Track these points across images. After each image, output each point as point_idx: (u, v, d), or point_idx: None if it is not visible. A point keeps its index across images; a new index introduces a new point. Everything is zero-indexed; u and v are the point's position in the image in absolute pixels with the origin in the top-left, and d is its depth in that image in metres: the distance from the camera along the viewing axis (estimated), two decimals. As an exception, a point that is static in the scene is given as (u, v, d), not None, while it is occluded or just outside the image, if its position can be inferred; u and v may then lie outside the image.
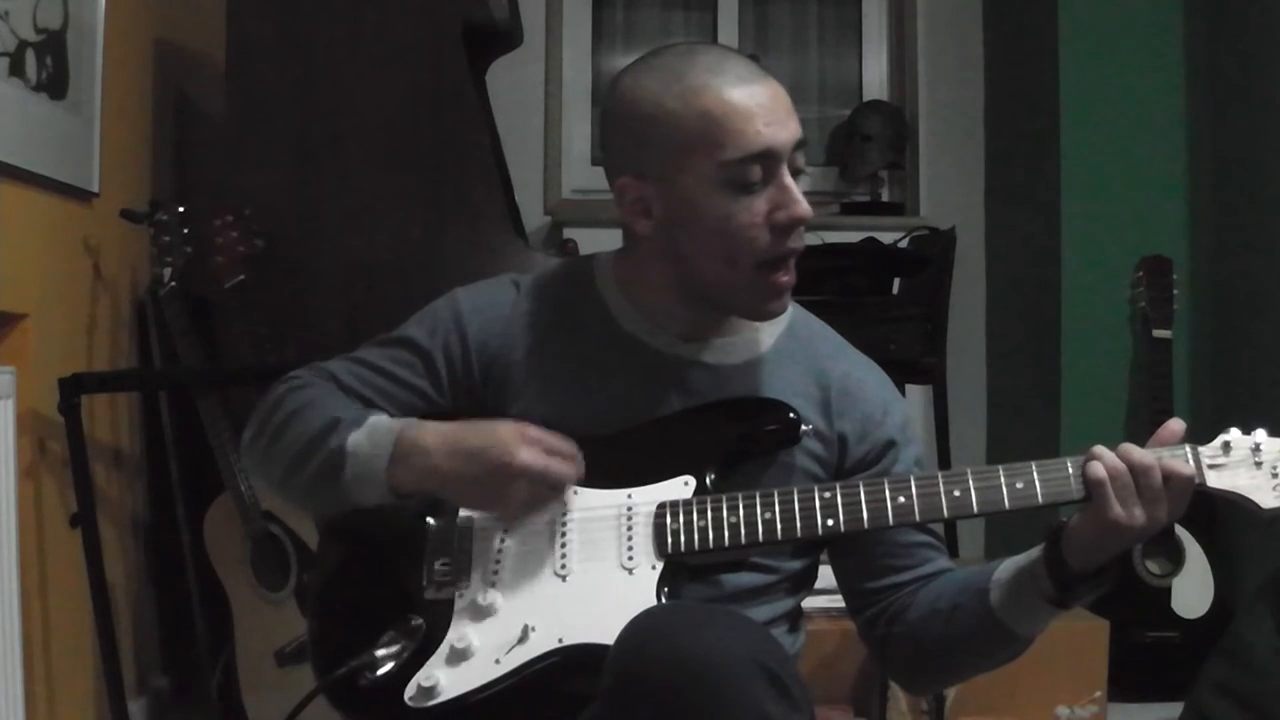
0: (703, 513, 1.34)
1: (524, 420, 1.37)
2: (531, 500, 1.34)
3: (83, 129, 2.62)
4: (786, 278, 1.39)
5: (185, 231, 2.75)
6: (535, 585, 1.34)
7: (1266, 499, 1.28)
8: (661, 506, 1.36)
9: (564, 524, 1.37)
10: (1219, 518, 3.18)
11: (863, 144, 4.09)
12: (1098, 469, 1.26)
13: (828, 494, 1.33)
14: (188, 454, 2.85)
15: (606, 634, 1.20)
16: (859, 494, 1.33)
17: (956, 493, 1.31)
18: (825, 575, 1.52)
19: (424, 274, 2.88)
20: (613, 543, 1.35)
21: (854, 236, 3.68)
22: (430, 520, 1.40)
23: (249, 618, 2.70)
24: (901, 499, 1.32)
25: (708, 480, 1.37)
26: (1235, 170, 3.42)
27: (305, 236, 2.95)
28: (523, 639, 1.30)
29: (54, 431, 2.40)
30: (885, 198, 4.24)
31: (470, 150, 2.97)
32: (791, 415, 1.41)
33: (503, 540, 1.37)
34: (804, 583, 1.49)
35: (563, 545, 1.36)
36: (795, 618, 1.49)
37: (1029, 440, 3.80)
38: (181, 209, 2.76)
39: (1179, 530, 3.17)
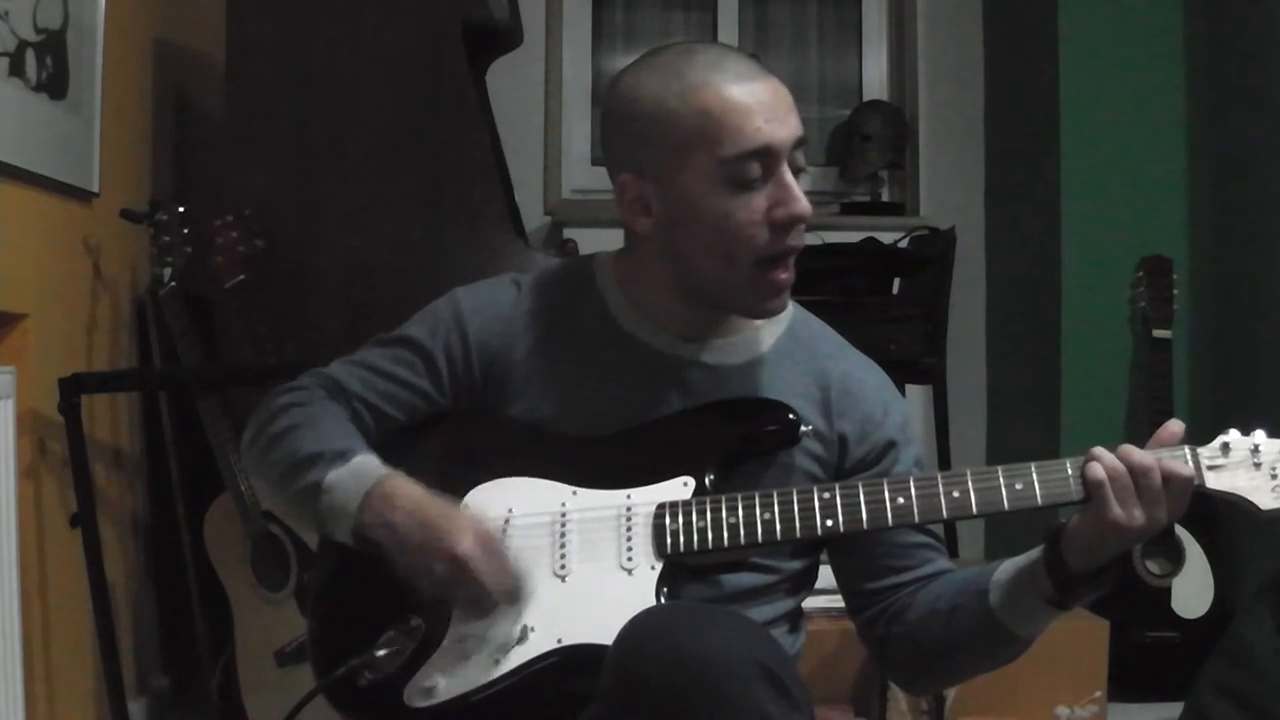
0: (702, 513, 1.34)
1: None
2: (447, 588, 1.30)
3: (83, 129, 2.62)
4: (785, 275, 1.39)
5: (185, 231, 2.75)
6: (534, 586, 1.33)
7: (1265, 500, 1.28)
8: (661, 507, 1.36)
9: (563, 524, 1.37)
10: (1219, 518, 3.18)
11: (863, 144, 4.09)
12: (1097, 470, 1.26)
13: (827, 495, 1.33)
14: (188, 454, 2.85)
15: (606, 634, 1.20)
16: (858, 495, 1.33)
17: (955, 494, 1.31)
18: (825, 575, 1.52)
19: (424, 274, 2.88)
20: (612, 543, 1.35)
21: (854, 236, 3.68)
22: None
23: (249, 618, 2.70)
24: (901, 500, 1.32)
25: (707, 481, 1.38)
26: (1235, 170, 3.42)
27: (305, 236, 2.95)
28: (522, 639, 1.30)
29: (54, 431, 2.40)
30: (885, 198, 4.24)
31: (470, 150, 2.97)
32: (791, 416, 1.41)
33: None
34: (804, 583, 1.49)
35: (562, 545, 1.36)
36: (795, 618, 1.49)
37: (1029, 440, 3.80)
38: (181, 209, 2.76)
39: (1179, 530, 3.17)
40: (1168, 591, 3.16)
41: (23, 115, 2.34)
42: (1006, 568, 1.37)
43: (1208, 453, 1.29)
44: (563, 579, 1.34)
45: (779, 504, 1.33)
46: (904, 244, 3.64)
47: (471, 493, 1.41)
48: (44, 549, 2.40)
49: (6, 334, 2.37)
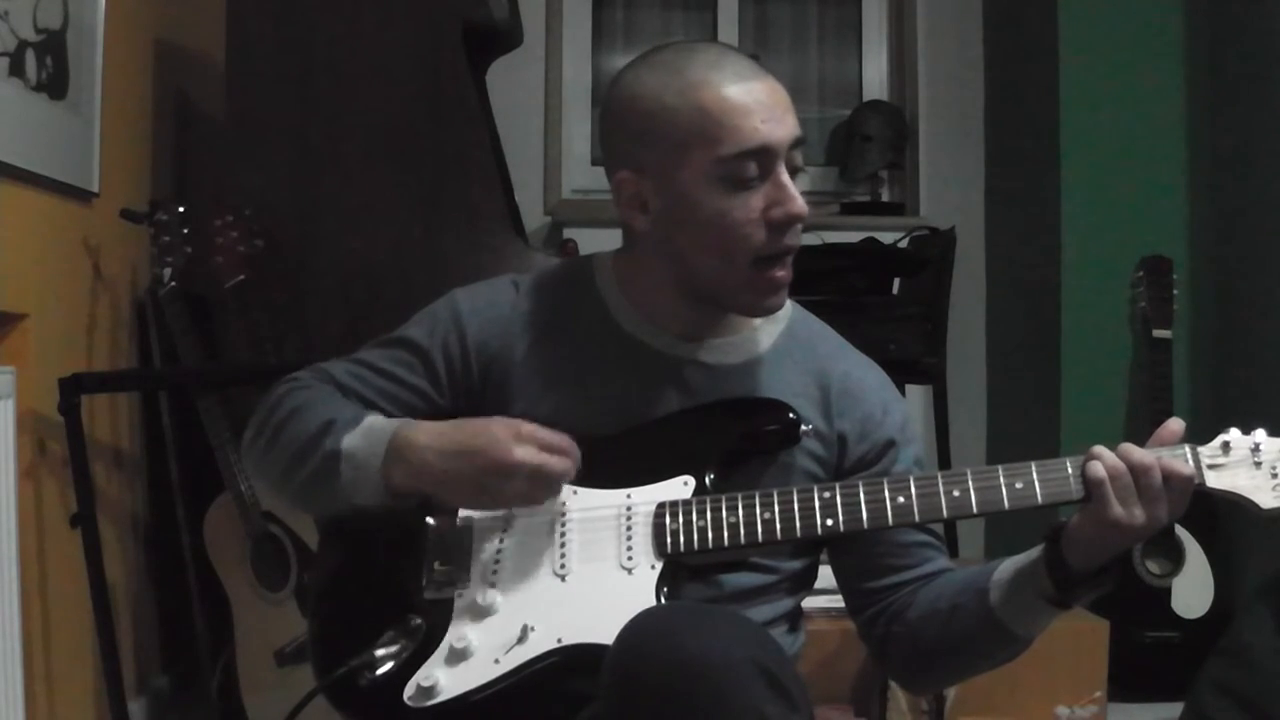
0: (702, 513, 1.34)
1: (526, 419, 1.37)
2: (528, 496, 1.34)
3: (83, 129, 2.62)
4: (783, 273, 1.39)
5: (185, 231, 2.75)
6: (535, 585, 1.34)
7: (1266, 499, 1.28)
8: (661, 506, 1.36)
9: (563, 524, 1.37)
10: (1219, 518, 3.18)
11: (863, 144, 4.09)
12: (1097, 468, 1.26)
13: (827, 494, 1.33)
14: (188, 454, 2.85)
15: (606, 634, 1.20)
16: (858, 494, 1.33)
17: (956, 493, 1.31)
18: (825, 575, 1.52)
19: (424, 274, 2.88)
20: (612, 543, 1.35)
21: (854, 236, 3.68)
22: (430, 520, 1.40)
23: (249, 618, 2.70)
24: (901, 499, 1.32)
25: (707, 480, 1.38)
26: (1235, 170, 3.42)
27: (305, 236, 2.95)
28: (522, 639, 1.30)
29: (54, 431, 2.40)
30: (885, 198, 4.24)
31: (470, 150, 2.96)
32: (791, 415, 1.41)
33: (502, 540, 1.37)
34: (804, 583, 1.49)
35: (562, 545, 1.36)
36: (795, 618, 1.49)
37: (1029, 440, 3.80)
38: (181, 209, 2.76)
39: (1179, 530, 3.17)
40: (1168, 591, 3.16)
41: (23, 115, 2.34)
42: (1007, 567, 1.37)
43: (1208, 452, 1.29)
44: (563, 578, 1.34)
45: (779, 503, 1.33)
46: (904, 244, 3.64)
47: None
48: (44, 549, 2.40)
49: (6, 334, 2.37)
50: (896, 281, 3.56)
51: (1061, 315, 3.57)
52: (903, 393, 2.67)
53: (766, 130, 1.34)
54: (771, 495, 1.34)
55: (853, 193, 4.26)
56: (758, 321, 1.49)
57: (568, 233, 4.02)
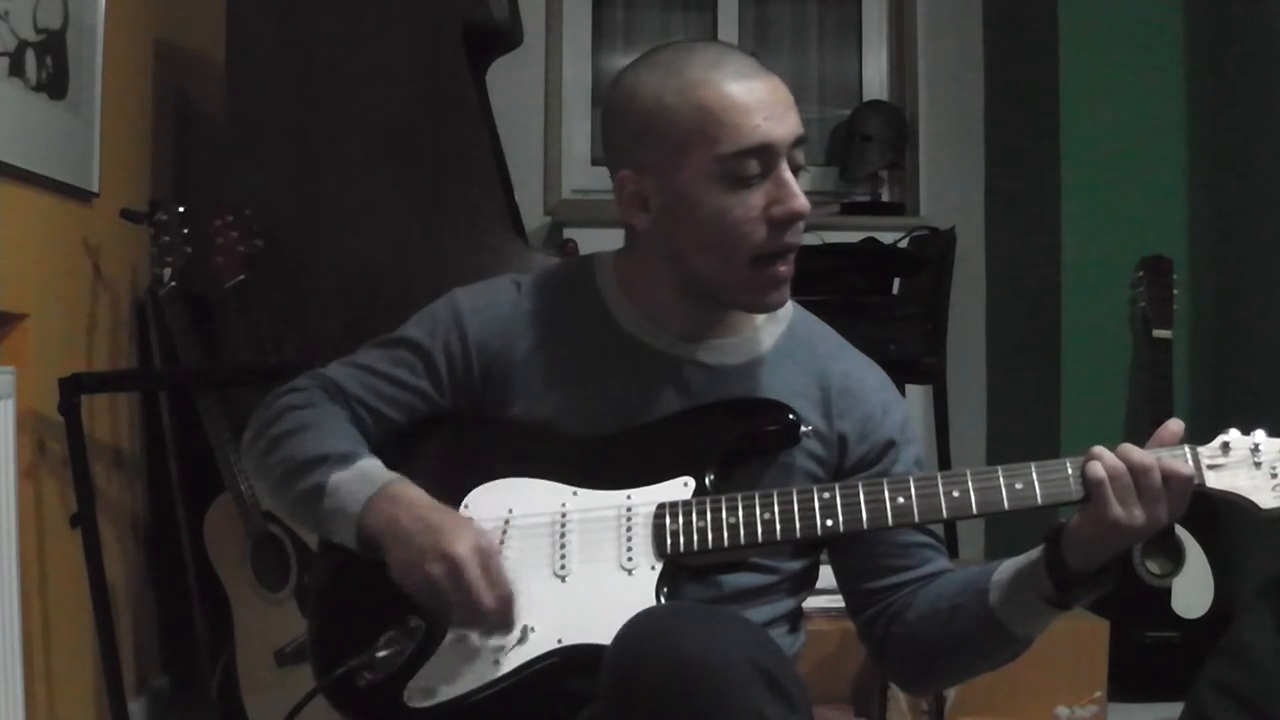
0: (702, 513, 1.34)
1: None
2: (441, 593, 1.28)
3: (83, 129, 2.62)
4: (785, 269, 1.39)
5: (185, 231, 2.74)
6: (535, 586, 1.33)
7: (1265, 499, 1.28)
8: (661, 507, 1.36)
9: (563, 524, 1.37)
10: (1219, 518, 3.18)
11: (863, 144, 4.09)
12: (1097, 469, 1.26)
13: (827, 495, 1.33)
14: (188, 454, 2.85)
15: (605, 634, 1.20)
16: (858, 495, 1.33)
17: (955, 493, 1.31)
18: (825, 575, 1.52)
19: (424, 274, 2.88)
20: (612, 543, 1.35)
21: (854, 236, 3.68)
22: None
23: (249, 618, 2.70)
24: (900, 500, 1.32)
25: (707, 481, 1.38)
26: (1235, 170, 3.42)
27: (305, 236, 2.95)
28: (522, 639, 1.30)
29: (54, 431, 2.40)
30: (885, 198, 4.24)
31: (470, 150, 2.96)
32: (791, 416, 1.41)
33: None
34: (804, 583, 1.49)
35: (562, 546, 1.36)
36: (795, 618, 1.49)
37: (1029, 440, 3.80)
38: (181, 209, 2.76)
39: (1179, 530, 3.17)
40: (1168, 591, 3.16)
41: (23, 115, 2.34)
42: (1006, 567, 1.37)
43: (1208, 452, 1.29)
44: (563, 579, 1.34)
45: (779, 504, 1.33)
46: (904, 244, 3.64)
47: (472, 494, 1.41)
48: (44, 549, 2.40)
49: (6, 334, 2.37)
50: (896, 281, 3.56)
51: (1061, 315, 3.57)
52: (903, 393, 2.67)
53: (767, 128, 1.34)
54: (771, 496, 1.34)
55: (853, 193, 4.26)
56: (758, 322, 1.49)
57: (568, 233, 4.02)
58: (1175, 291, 3.38)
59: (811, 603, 1.55)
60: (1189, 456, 1.28)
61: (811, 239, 3.20)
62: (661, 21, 4.44)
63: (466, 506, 1.39)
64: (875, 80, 4.37)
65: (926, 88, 4.23)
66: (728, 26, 4.36)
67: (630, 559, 1.34)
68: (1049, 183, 3.63)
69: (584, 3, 4.30)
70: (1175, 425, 1.30)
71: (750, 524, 1.33)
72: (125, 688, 2.39)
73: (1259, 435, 1.29)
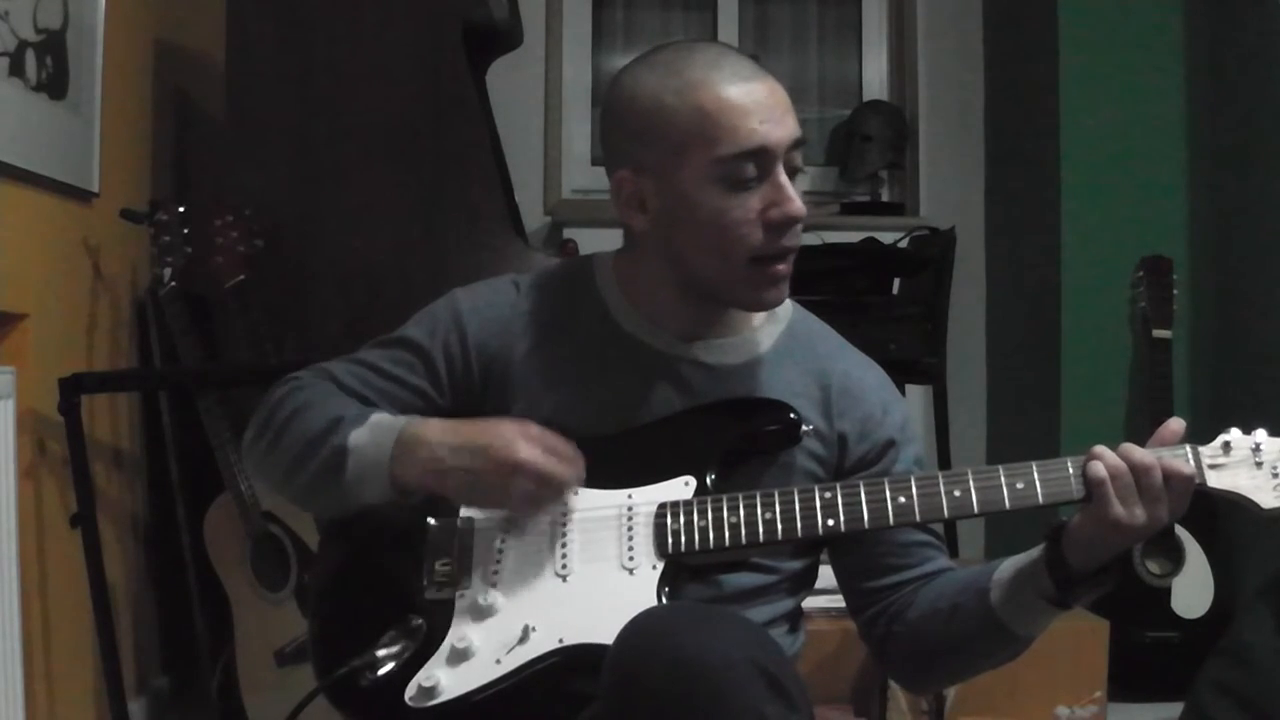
0: (703, 513, 1.34)
1: (527, 419, 1.37)
2: (532, 498, 1.33)
3: (83, 129, 2.62)
4: (783, 266, 1.39)
5: (185, 231, 2.75)
6: (536, 585, 1.34)
7: (1267, 499, 1.28)
8: (662, 507, 1.36)
9: (564, 524, 1.37)
10: (1219, 518, 3.18)
11: (863, 144, 4.09)
12: (1098, 468, 1.26)
13: (828, 494, 1.33)
14: (188, 454, 2.85)
15: (607, 634, 1.20)
16: (859, 494, 1.33)
17: (957, 493, 1.31)
18: (825, 575, 1.52)
19: (424, 274, 2.88)
20: (613, 543, 1.35)
21: (854, 236, 3.68)
22: (430, 520, 1.40)
23: (249, 618, 2.70)
24: (902, 499, 1.32)
25: (708, 480, 1.38)
26: (1235, 170, 3.42)
27: (305, 236, 2.95)
28: (523, 639, 1.30)
29: (54, 431, 2.40)
30: (885, 198, 4.24)
31: (470, 150, 2.96)
32: (792, 415, 1.41)
33: (503, 540, 1.37)
34: (804, 583, 1.49)
35: (563, 545, 1.36)
36: (795, 618, 1.49)
37: (1029, 440, 3.80)
38: (181, 209, 2.76)
39: (1179, 530, 3.17)
40: (1168, 591, 3.16)
41: (23, 115, 2.34)
42: (1007, 567, 1.37)
43: (1209, 451, 1.29)
44: (564, 579, 1.34)
45: (780, 503, 1.33)
46: (904, 244, 3.64)
47: (472, 493, 1.41)
48: (44, 549, 2.40)
49: (6, 334, 2.37)
50: (896, 281, 3.56)
51: (1061, 315, 3.57)
52: (903, 393, 2.67)
53: (765, 131, 1.34)
54: (772, 495, 1.34)
55: (853, 193, 4.26)
56: (758, 322, 1.49)
57: (568, 233, 4.02)
58: (1175, 291, 3.38)
59: (811, 603, 1.55)
60: (1190, 456, 1.28)
61: (811, 239, 3.21)
62: (661, 21, 4.44)
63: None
64: (875, 80, 4.37)
65: (926, 88, 4.23)
66: (728, 26, 4.36)
67: (631, 558, 1.34)
68: (1049, 183, 3.63)
69: (584, 3, 4.30)
70: (1176, 424, 1.30)
71: (751, 523, 1.33)
72: (125, 688, 2.39)
73: (1260, 435, 1.29)
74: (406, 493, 1.35)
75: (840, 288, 3.14)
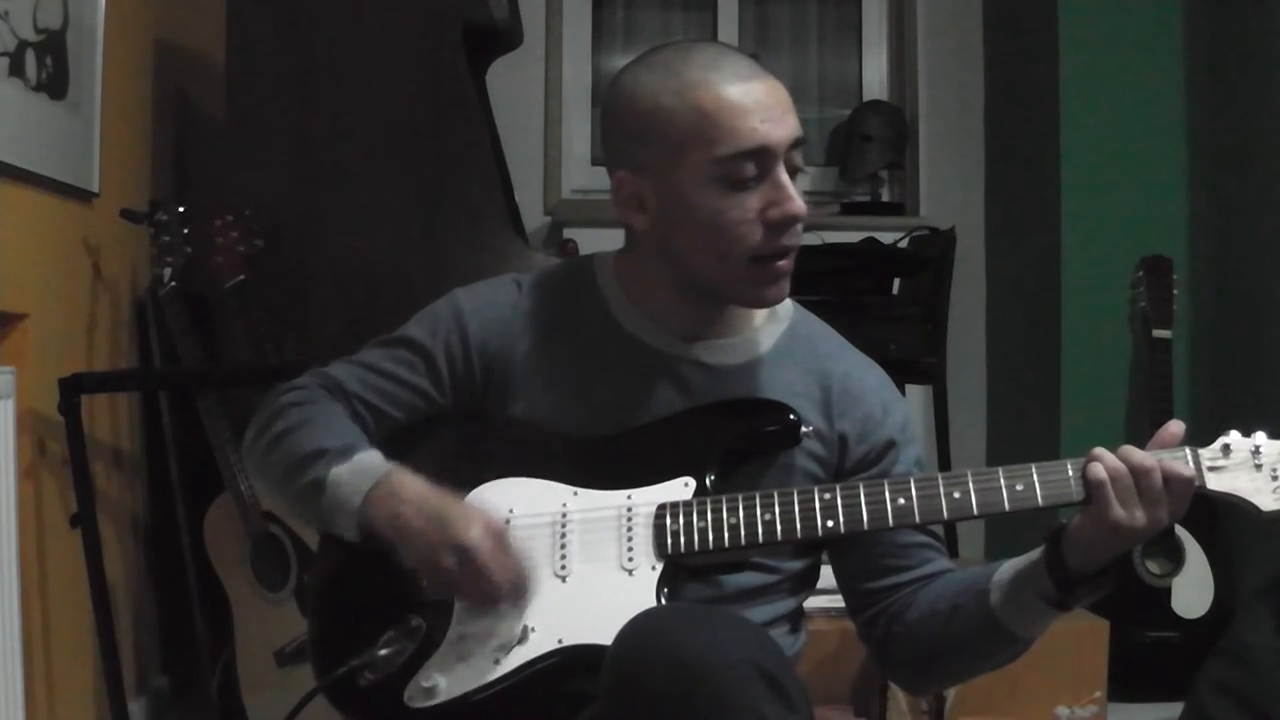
0: (703, 514, 1.35)
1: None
2: (459, 584, 1.31)
3: (83, 129, 2.62)
4: (784, 264, 1.39)
5: (185, 231, 2.74)
6: (535, 586, 1.33)
7: (1266, 501, 1.27)
8: (661, 507, 1.36)
9: (564, 525, 1.37)
10: (1219, 518, 3.18)
11: (863, 144, 4.09)
12: (1098, 470, 1.26)
13: (828, 495, 1.33)
14: (188, 454, 2.85)
15: (606, 635, 1.20)
16: (859, 495, 1.33)
17: (956, 494, 1.31)
18: (825, 575, 1.52)
19: (424, 274, 2.88)
20: (613, 544, 1.35)
21: (854, 236, 3.68)
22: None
23: (249, 618, 2.70)
24: (901, 500, 1.32)
25: (708, 481, 1.38)
26: (1235, 170, 3.42)
27: (305, 236, 2.95)
28: (522, 639, 1.30)
29: (54, 431, 2.40)
30: (885, 198, 4.24)
31: (470, 150, 2.96)
32: (792, 416, 1.41)
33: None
34: (805, 583, 1.49)
35: (562, 546, 1.36)
36: (796, 618, 1.49)
37: (1029, 441, 3.80)
38: (181, 209, 2.76)
39: (1179, 530, 3.17)
40: (1168, 591, 3.16)
41: (23, 115, 2.34)
42: (1007, 568, 1.37)
43: (1208, 454, 1.29)
44: (563, 579, 1.34)
45: (780, 504, 1.33)
46: (904, 244, 3.64)
47: (472, 493, 1.41)
48: (44, 549, 2.40)
49: (6, 334, 2.37)
50: (896, 281, 3.56)
51: (1061, 315, 3.57)
52: (903, 392, 2.67)
53: (765, 131, 1.34)
54: (772, 496, 1.34)
55: (853, 193, 4.26)
56: (759, 322, 1.49)
57: (568, 233, 4.02)
58: (1175, 291, 3.38)
59: (811, 603, 1.55)
60: (1190, 458, 1.28)
61: (811, 239, 3.20)
62: (661, 21, 4.43)
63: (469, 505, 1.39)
64: (875, 80, 4.37)
65: (926, 88, 4.23)
66: (728, 26, 4.36)
67: (631, 559, 1.34)
68: (1049, 183, 3.63)
69: (584, 3, 4.30)
70: (1176, 426, 1.30)
71: (751, 524, 1.33)
72: (125, 688, 2.39)
73: (1260, 437, 1.29)
74: (369, 538, 1.35)
75: (840, 288, 3.14)
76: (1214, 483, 1.28)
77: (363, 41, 2.96)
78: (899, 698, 2.60)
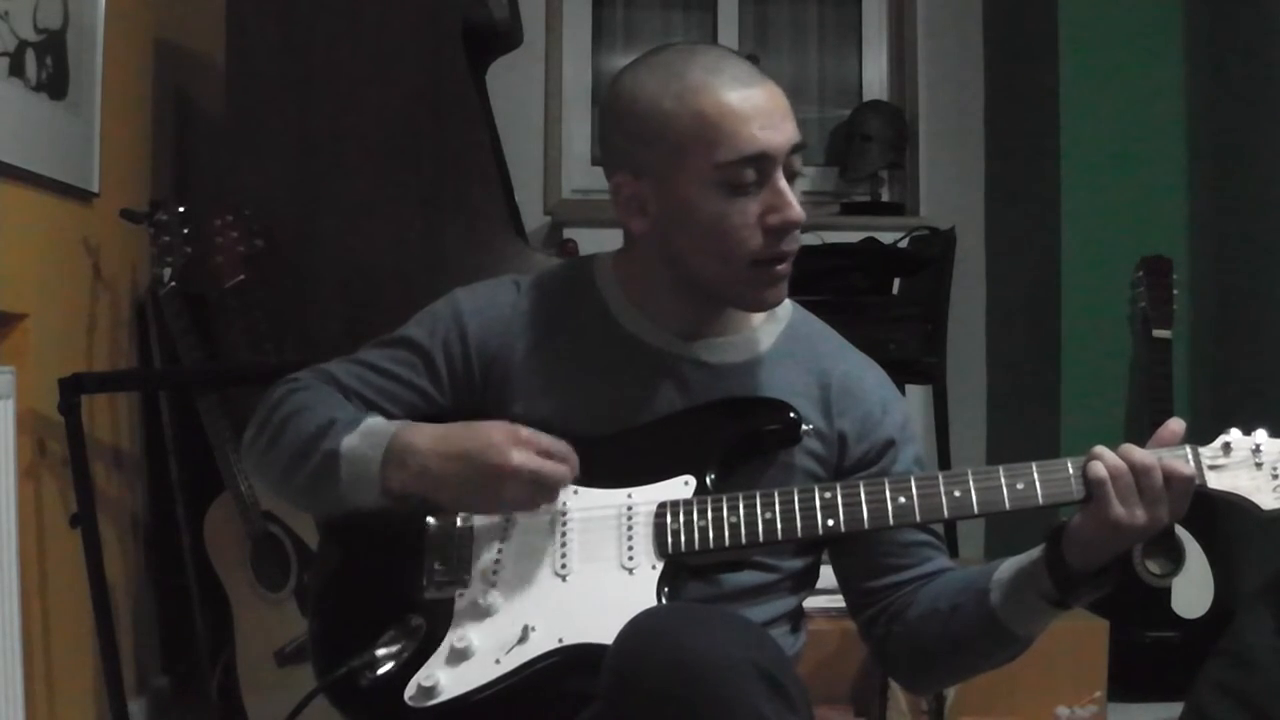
0: (703, 513, 1.35)
1: (524, 421, 1.37)
2: (525, 501, 1.34)
3: (83, 129, 2.62)
4: (783, 267, 1.40)
5: (185, 231, 2.74)
6: (535, 585, 1.34)
7: (1267, 500, 1.28)
8: (662, 506, 1.36)
9: (564, 524, 1.37)
10: (1219, 518, 3.18)
11: (863, 144, 4.09)
12: (1099, 468, 1.26)
13: (828, 494, 1.33)
14: (188, 454, 2.85)
15: (606, 634, 1.20)
16: (859, 494, 1.33)
17: (957, 493, 1.31)
18: (825, 575, 1.52)
19: (424, 274, 2.88)
20: (613, 543, 1.35)
21: (854, 236, 3.68)
22: (430, 520, 1.40)
23: (249, 618, 2.70)
24: (902, 499, 1.32)
25: (708, 480, 1.38)
26: (1235, 170, 3.42)
27: (305, 236, 2.95)
28: (523, 639, 1.30)
29: (54, 431, 2.40)
30: (885, 198, 4.24)
31: (470, 150, 2.96)
32: (792, 415, 1.41)
33: (503, 540, 1.37)
34: (805, 582, 1.49)
35: (563, 545, 1.36)
36: (796, 618, 1.49)
37: (1029, 440, 3.80)
38: (181, 209, 2.76)
39: (1179, 530, 3.16)
40: (1168, 591, 3.16)
41: (23, 115, 2.34)
42: (1007, 567, 1.37)
43: (1209, 452, 1.29)
44: (564, 578, 1.34)
45: (780, 503, 1.33)
46: (904, 244, 3.64)
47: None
48: (44, 549, 2.40)
49: (6, 334, 2.37)
50: (896, 281, 3.56)
51: (1061, 315, 3.57)
52: (903, 392, 2.67)
53: (764, 137, 1.34)
54: (772, 495, 1.34)
55: (853, 193, 4.26)
56: (758, 321, 1.49)
57: (568, 233, 4.02)
58: (1175, 291, 3.38)
59: (811, 603, 1.55)
60: (1190, 457, 1.28)
61: (811, 239, 3.21)
62: (661, 21, 4.43)
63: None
64: (875, 80, 4.37)
65: (926, 88, 4.23)
66: (728, 27, 4.35)
67: (631, 558, 1.34)
68: (1049, 182, 3.63)
69: (584, 3, 4.30)
70: (1176, 425, 1.30)
71: (751, 523, 1.33)
72: (125, 688, 2.39)
73: (1260, 435, 1.29)
74: (397, 499, 1.36)
75: (840, 288, 3.14)
76: (1214, 481, 1.28)
77: (362, 41, 2.96)
78: (899, 698, 2.60)
